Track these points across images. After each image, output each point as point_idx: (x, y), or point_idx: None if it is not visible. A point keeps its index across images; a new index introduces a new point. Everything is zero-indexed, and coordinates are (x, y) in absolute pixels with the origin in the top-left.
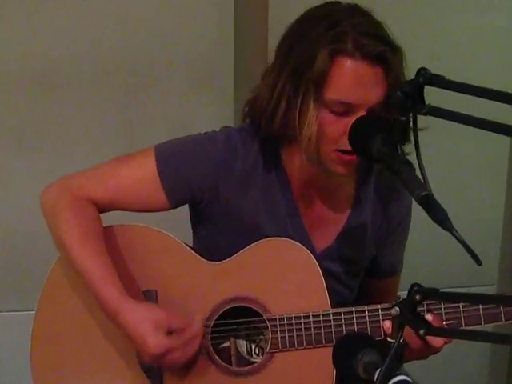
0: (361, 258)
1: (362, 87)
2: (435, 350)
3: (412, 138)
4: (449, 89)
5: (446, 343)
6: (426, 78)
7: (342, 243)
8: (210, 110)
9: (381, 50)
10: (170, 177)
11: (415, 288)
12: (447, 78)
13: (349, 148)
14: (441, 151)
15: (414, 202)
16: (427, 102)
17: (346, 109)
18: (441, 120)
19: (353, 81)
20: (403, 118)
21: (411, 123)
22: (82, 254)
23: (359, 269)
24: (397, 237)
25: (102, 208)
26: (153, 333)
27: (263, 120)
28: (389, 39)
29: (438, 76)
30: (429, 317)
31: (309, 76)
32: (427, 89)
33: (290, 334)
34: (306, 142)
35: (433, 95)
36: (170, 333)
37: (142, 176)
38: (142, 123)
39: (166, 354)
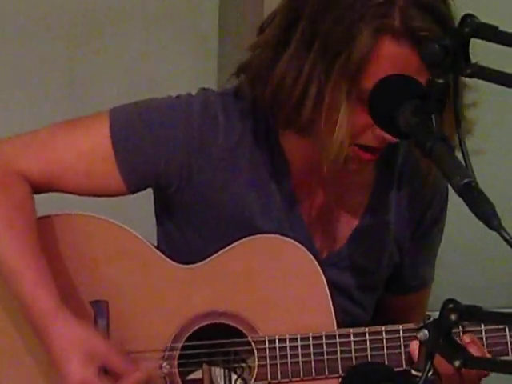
0: (379, 266)
1: None
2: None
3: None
4: (503, 43)
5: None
6: (473, 27)
7: (354, 247)
8: (185, 63)
9: (430, 29)
10: (128, 153)
11: (450, 305)
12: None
13: (371, 144)
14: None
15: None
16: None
17: None
18: None
19: (395, 69)
20: (441, 81)
21: (452, 87)
22: (7, 247)
23: (377, 281)
24: (429, 239)
25: (36, 187)
26: (80, 362)
27: (285, 108)
28: (446, 15)
29: (490, 26)
30: (466, 339)
31: (345, 60)
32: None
33: (283, 361)
34: (337, 146)
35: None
36: (104, 372)
37: (89, 149)
38: (91, 80)
39: None
